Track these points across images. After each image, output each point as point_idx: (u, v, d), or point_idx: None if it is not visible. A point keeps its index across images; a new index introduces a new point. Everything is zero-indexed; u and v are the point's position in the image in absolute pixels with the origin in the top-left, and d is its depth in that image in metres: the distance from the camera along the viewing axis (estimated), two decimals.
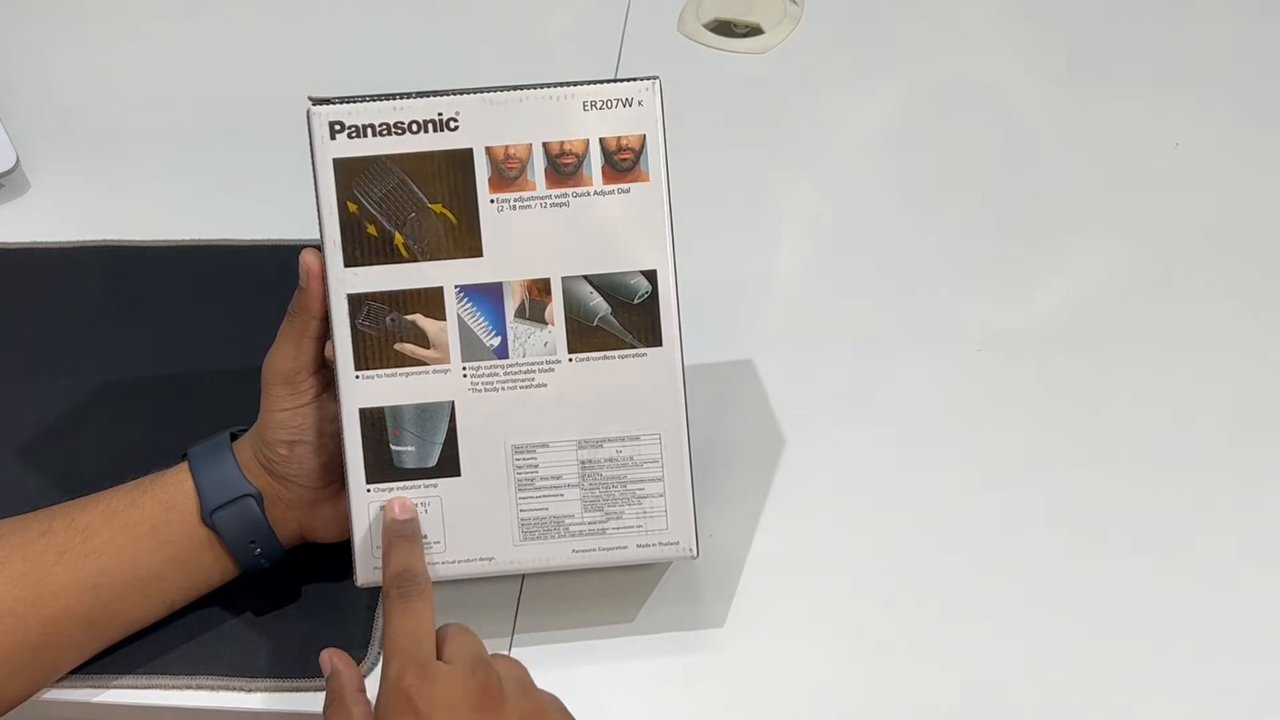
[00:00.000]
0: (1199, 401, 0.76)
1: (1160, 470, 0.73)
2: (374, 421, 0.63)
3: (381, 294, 0.62)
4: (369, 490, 0.63)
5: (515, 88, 0.62)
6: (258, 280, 0.84)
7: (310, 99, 0.60)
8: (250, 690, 0.65)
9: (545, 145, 0.62)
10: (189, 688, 0.66)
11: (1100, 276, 0.83)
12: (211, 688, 0.66)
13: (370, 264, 0.62)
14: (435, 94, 0.62)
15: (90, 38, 1.03)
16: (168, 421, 0.76)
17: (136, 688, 0.66)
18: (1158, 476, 0.73)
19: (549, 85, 0.62)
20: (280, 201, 0.89)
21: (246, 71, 0.99)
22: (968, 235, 0.86)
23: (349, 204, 0.62)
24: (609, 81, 0.62)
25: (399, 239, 0.62)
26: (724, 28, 1.00)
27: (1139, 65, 0.96)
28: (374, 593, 0.68)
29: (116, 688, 0.66)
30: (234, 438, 0.66)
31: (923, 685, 0.65)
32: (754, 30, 1.00)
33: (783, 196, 0.89)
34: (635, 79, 0.63)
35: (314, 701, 0.65)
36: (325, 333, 0.63)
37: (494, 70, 0.98)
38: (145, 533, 0.63)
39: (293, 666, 0.66)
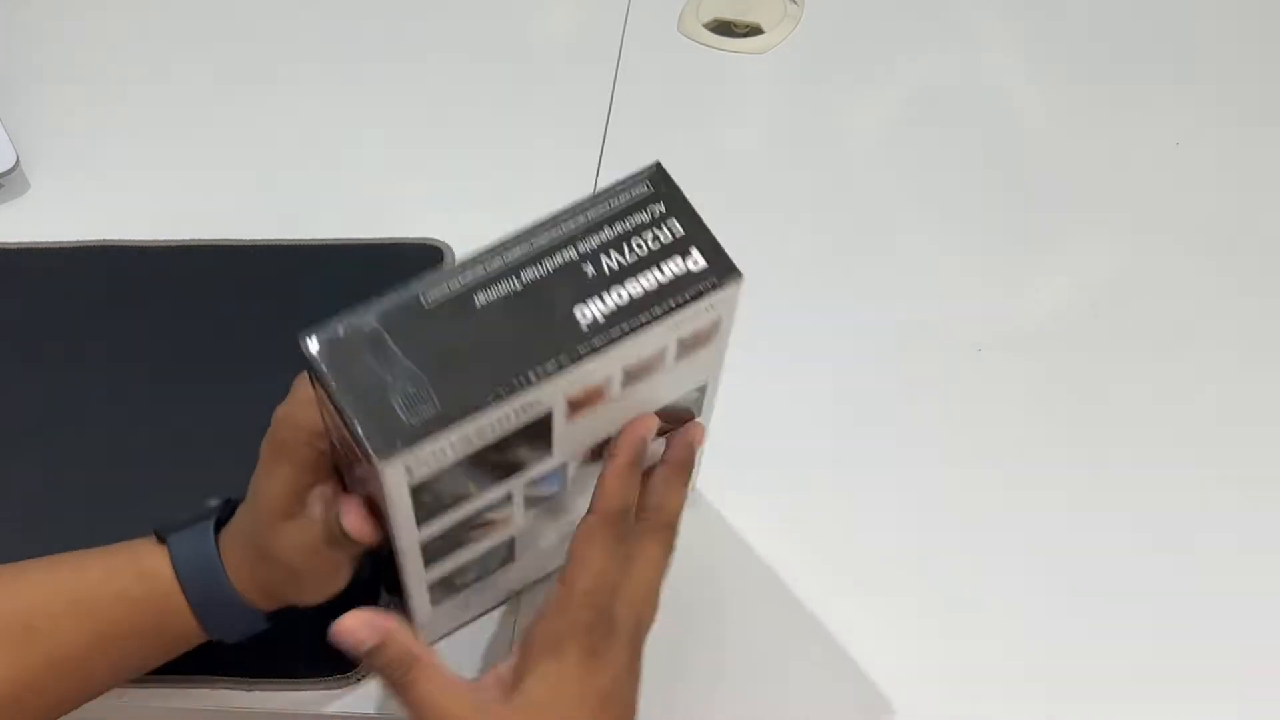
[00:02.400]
0: (1199, 401, 0.76)
1: (1161, 470, 0.73)
2: (445, 584, 0.60)
3: (454, 526, 0.56)
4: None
5: (602, 339, 0.50)
6: (258, 280, 0.84)
7: (374, 453, 0.47)
8: (250, 690, 0.65)
9: (625, 369, 0.53)
10: (189, 688, 0.66)
11: (1100, 276, 0.83)
12: (211, 688, 0.66)
13: (440, 517, 0.55)
14: (509, 392, 0.49)
15: (90, 37, 1.03)
16: (168, 421, 0.76)
17: (137, 687, 0.66)
18: (1158, 476, 0.73)
19: (637, 326, 0.51)
20: (280, 202, 0.89)
21: (247, 71, 0.99)
22: (968, 235, 0.86)
23: (420, 497, 0.52)
24: (691, 299, 0.52)
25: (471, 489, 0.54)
26: (724, 28, 1.00)
27: (1139, 65, 0.96)
28: (374, 592, 0.68)
29: (116, 687, 0.66)
30: (218, 522, 0.61)
31: (920, 685, 0.65)
32: (754, 30, 1.00)
33: (782, 197, 0.89)
34: (719, 284, 0.54)
35: (314, 701, 0.65)
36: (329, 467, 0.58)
37: (494, 70, 0.98)
38: (139, 642, 0.60)
39: (293, 666, 0.66)
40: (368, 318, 0.49)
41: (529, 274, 0.51)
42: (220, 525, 0.60)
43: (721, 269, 0.53)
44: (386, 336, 0.49)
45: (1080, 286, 0.83)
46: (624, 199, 0.54)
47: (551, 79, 0.97)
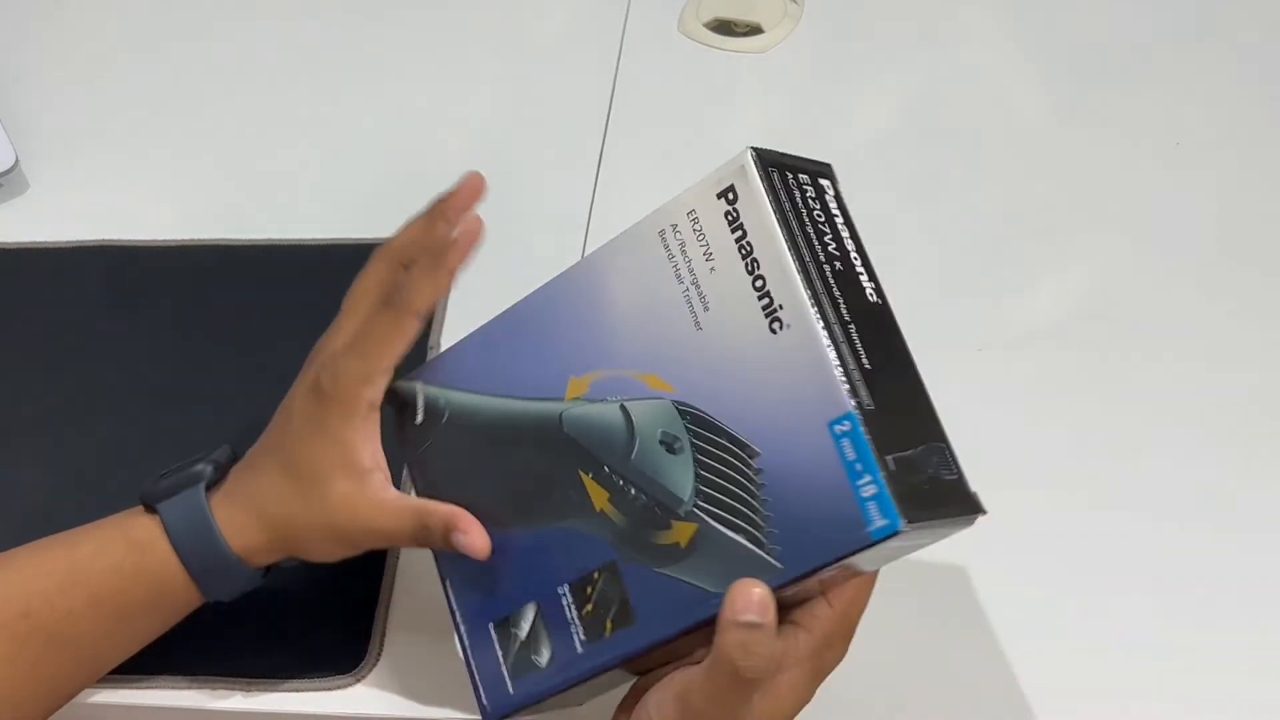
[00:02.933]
0: (1200, 401, 0.76)
1: (1160, 470, 0.73)
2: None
3: None
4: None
5: None
6: (258, 280, 0.84)
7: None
8: (250, 690, 0.65)
9: None
10: (189, 688, 0.66)
11: (1100, 276, 0.83)
12: (212, 688, 0.66)
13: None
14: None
15: (90, 37, 1.03)
16: (168, 421, 0.76)
17: (136, 688, 0.66)
18: (1158, 476, 0.72)
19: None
20: (280, 202, 0.89)
21: (246, 71, 0.99)
22: (968, 235, 0.85)
23: None
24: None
25: None
26: (724, 27, 1.00)
27: (1139, 65, 0.96)
28: (374, 592, 0.68)
29: (117, 688, 0.66)
30: (209, 483, 0.61)
31: (918, 688, 0.65)
32: (754, 30, 1.00)
33: None
34: None
35: (314, 702, 0.65)
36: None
37: (494, 69, 0.98)
38: (138, 614, 0.60)
39: (293, 666, 0.66)
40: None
41: (843, 307, 0.52)
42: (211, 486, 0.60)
43: (829, 171, 0.57)
44: (891, 459, 0.49)
45: (1080, 286, 0.83)
46: (776, 196, 0.53)
47: (551, 79, 0.97)
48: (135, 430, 0.76)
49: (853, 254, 0.53)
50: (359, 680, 0.66)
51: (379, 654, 0.66)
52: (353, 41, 1.01)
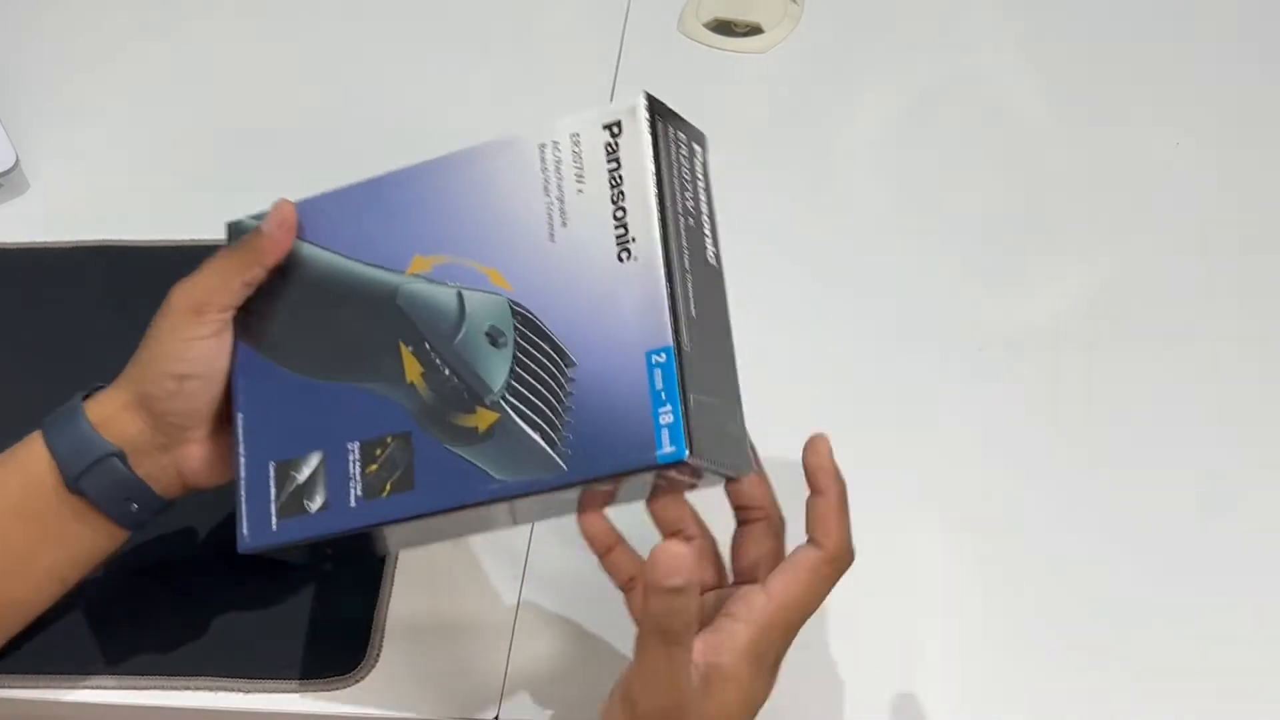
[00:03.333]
0: (1199, 401, 0.76)
1: (1161, 469, 0.73)
2: None
3: None
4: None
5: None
6: None
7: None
8: (250, 690, 0.65)
9: None
10: (189, 688, 0.66)
11: (1100, 276, 0.83)
12: (211, 688, 0.66)
13: None
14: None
15: (90, 37, 1.03)
16: None
17: (136, 688, 0.66)
18: (1158, 476, 0.73)
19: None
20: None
21: (246, 71, 0.99)
22: (968, 235, 0.85)
23: None
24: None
25: None
26: (724, 28, 1.00)
27: (1139, 65, 0.96)
28: (373, 592, 0.68)
29: (117, 688, 0.66)
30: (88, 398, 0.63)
31: (920, 685, 0.65)
32: (754, 30, 1.00)
33: (782, 196, 0.89)
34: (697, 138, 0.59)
35: (314, 702, 0.65)
36: (261, 281, 0.61)
37: (494, 69, 0.98)
38: (7, 513, 0.61)
39: (293, 666, 0.66)
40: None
41: (686, 259, 0.55)
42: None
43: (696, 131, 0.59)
44: (700, 396, 0.53)
45: (1080, 286, 0.83)
46: (661, 152, 0.56)
47: (551, 79, 0.97)
48: None
49: (704, 215, 0.56)
50: (358, 680, 0.66)
51: (378, 654, 0.66)
52: (353, 42, 1.01)
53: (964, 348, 0.79)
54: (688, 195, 0.56)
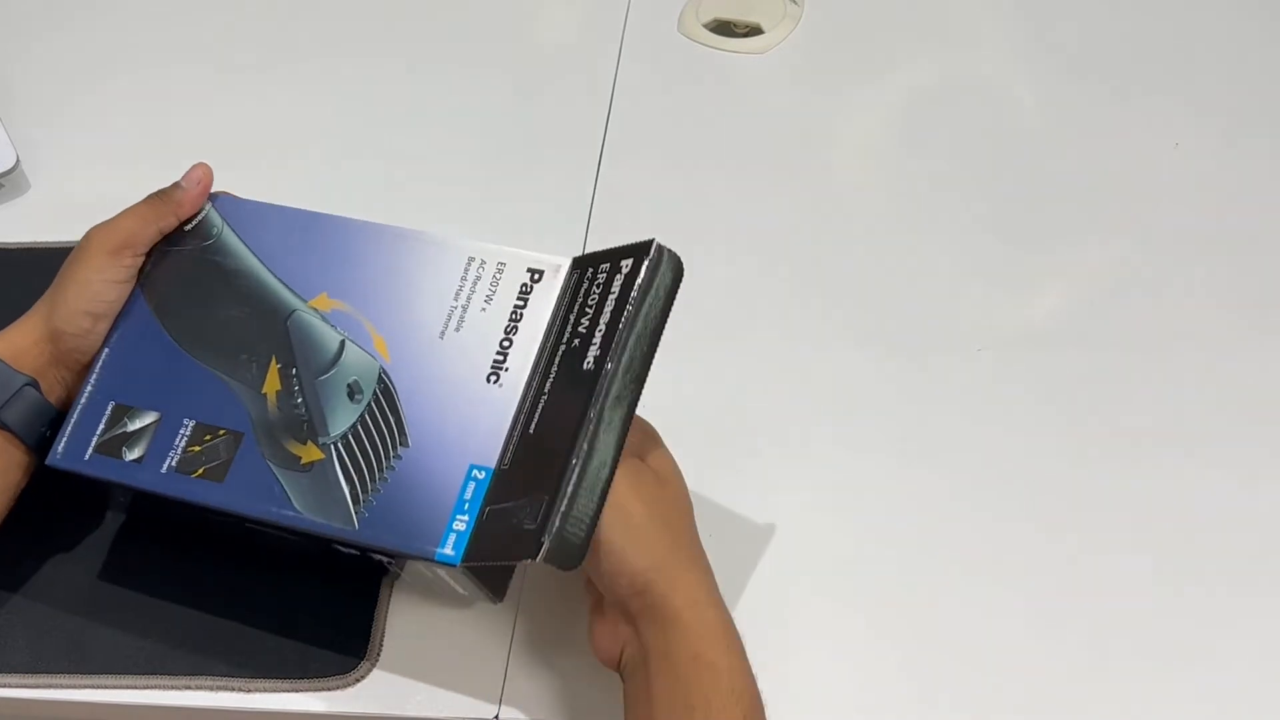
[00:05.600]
0: (1199, 401, 0.76)
1: (1161, 469, 0.73)
2: None
3: None
4: None
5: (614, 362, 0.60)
6: None
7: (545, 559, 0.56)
8: (250, 690, 0.65)
9: None
10: (189, 688, 0.66)
11: (1100, 277, 0.83)
12: (211, 688, 0.66)
13: None
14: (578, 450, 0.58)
15: (91, 37, 1.02)
16: None
17: (136, 688, 0.66)
18: (1158, 475, 0.73)
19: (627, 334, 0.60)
20: (281, 200, 0.88)
21: (248, 73, 0.99)
22: (968, 235, 0.85)
23: None
24: (647, 288, 0.61)
25: None
26: (724, 28, 1.00)
27: (1139, 65, 0.96)
28: (373, 592, 0.68)
29: (117, 688, 0.66)
30: None
31: (923, 681, 0.65)
32: (754, 30, 1.00)
33: (782, 196, 0.89)
34: (654, 259, 0.61)
35: (314, 702, 0.65)
36: (170, 230, 0.67)
37: (494, 70, 0.98)
38: None
39: (293, 666, 0.66)
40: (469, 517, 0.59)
41: (549, 385, 0.60)
42: None
43: (643, 249, 0.60)
44: (496, 506, 0.58)
45: (1080, 286, 0.83)
46: (569, 297, 0.62)
47: (551, 79, 0.97)
48: None
49: (600, 328, 0.59)
50: (359, 680, 0.66)
51: (378, 654, 0.66)
52: (354, 43, 1.01)
53: (964, 348, 0.79)
54: (585, 319, 0.60)
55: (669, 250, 0.60)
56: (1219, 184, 0.88)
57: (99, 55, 1.01)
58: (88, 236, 0.66)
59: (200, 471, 0.62)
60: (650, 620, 0.57)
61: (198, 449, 0.62)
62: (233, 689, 0.66)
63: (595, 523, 0.56)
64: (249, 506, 0.61)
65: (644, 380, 0.59)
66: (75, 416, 0.65)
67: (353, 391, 0.62)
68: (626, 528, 0.58)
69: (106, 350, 0.66)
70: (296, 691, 0.65)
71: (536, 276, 0.63)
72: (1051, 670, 0.65)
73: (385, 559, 0.63)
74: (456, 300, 0.63)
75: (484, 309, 0.62)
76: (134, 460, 0.63)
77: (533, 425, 0.59)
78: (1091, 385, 0.77)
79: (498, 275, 0.63)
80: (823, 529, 0.71)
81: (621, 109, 0.94)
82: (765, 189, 0.89)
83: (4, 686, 0.66)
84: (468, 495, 0.59)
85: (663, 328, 0.60)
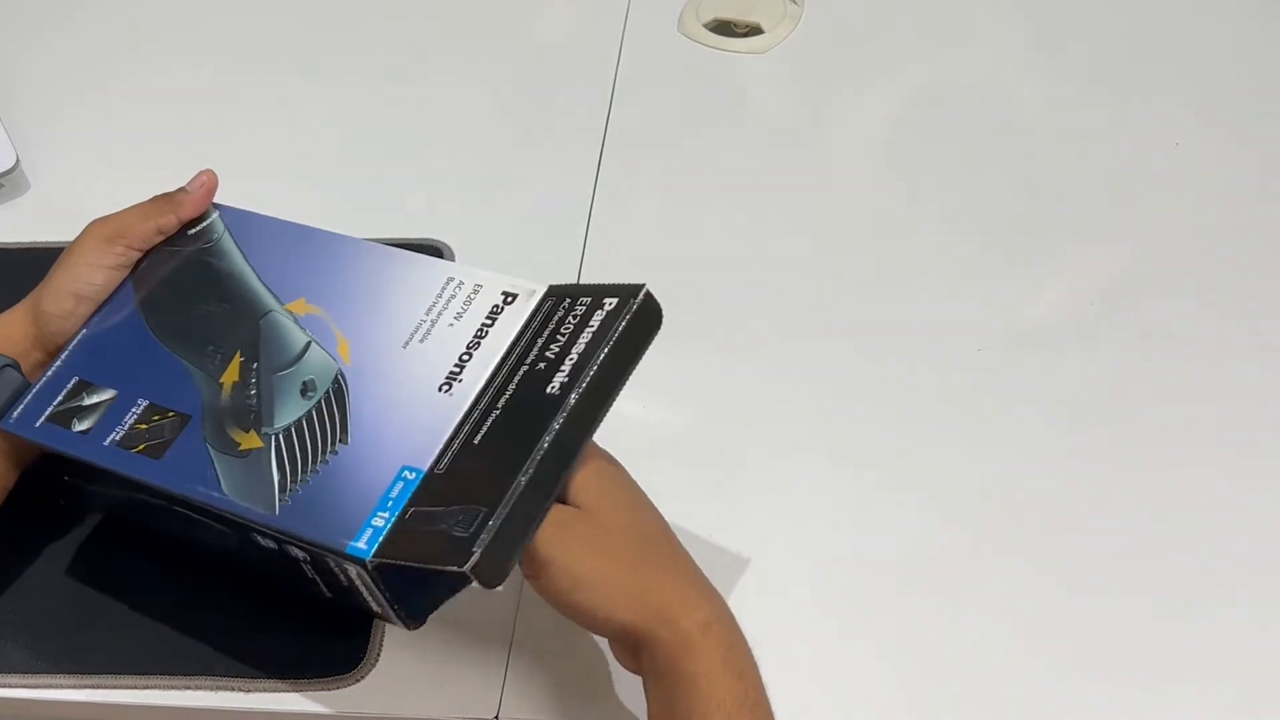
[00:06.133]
0: (1198, 401, 0.76)
1: (1161, 469, 0.73)
2: None
3: None
4: None
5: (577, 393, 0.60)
6: None
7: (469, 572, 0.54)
8: (250, 690, 0.65)
9: None
10: (189, 688, 0.66)
11: (1100, 276, 0.83)
12: (211, 688, 0.66)
13: None
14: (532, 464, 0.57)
15: (91, 37, 1.03)
16: None
17: (136, 688, 0.66)
18: (1158, 475, 0.72)
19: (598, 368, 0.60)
20: (281, 201, 0.88)
21: (248, 72, 0.99)
22: (968, 235, 0.85)
23: None
24: (623, 329, 0.61)
25: None
26: (724, 28, 1.00)
27: (1139, 65, 0.96)
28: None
29: (117, 688, 0.66)
30: None
31: (924, 680, 0.65)
32: (754, 30, 1.00)
33: (783, 196, 0.89)
34: (635, 300, 0.61)
35: (314, 702, 0.65)
36: (172, 231, 0.69)
37: (495, 70, 0.98)
38: None
39: (293, 666, 0.66)
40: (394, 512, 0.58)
41: (503, 400, 0.60)
42: None
43: (633, 291, 0.61)
44: (422, 508, 0.57)
45: (1080, 286, 0.83)
46: (539, 321, 0.62)
47: (552, 79, 0.97)
48: None
49: (571, 357, 0.60)
50: (359, 680, 0.66)
51: (379, 654, 0.66)
52: (354, 43, 1.01)
53: (964, 348, 0.79)
54: (554, 347, 0.60)
55: (655, 300, 0.61)
56: (1219, 184, 0.88)
57: (99, 56, 1.01)
58: (88, 225, 0.68)
59: (141, 448, 0.63)
60: (652, 652, 0.56)
61: (144, 427, 0.63)
62: (233, 689, 0.66)
63: (520, 548, 0.56)
64: (177, 484, 0.61)
65: (599, 420, 0.59)
66: (38, 387, 0.66)
67: (306, 389, 0.63)
68: (579, 585, 0.56)
69: (84, 330, 0.68)
70: (296, 691, 0.65)
71: (509, 299, 0.63)
72: (1051, 671, 0.65)
73: (371, 603, 0.62)
74: (428, 315, 0.64)
75: (451, 324, 0.63)
76: (80, 431, 0.64)
77: (478, 436, 0.59)
78: (1091, 385, 0.77)
79: (472, 295, 0.64)
80: (821, 529, 0.71)
81: (621, 109, 0.94)
82: (765, 189, 0.89)
83: (4, 686, 0.66)
84: (394, 494, 0.58)
85: (630, 372, 0.60)
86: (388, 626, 0.67)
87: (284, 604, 0.68)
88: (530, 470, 0.56)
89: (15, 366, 0.66)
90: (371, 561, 0.56)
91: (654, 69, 0.97)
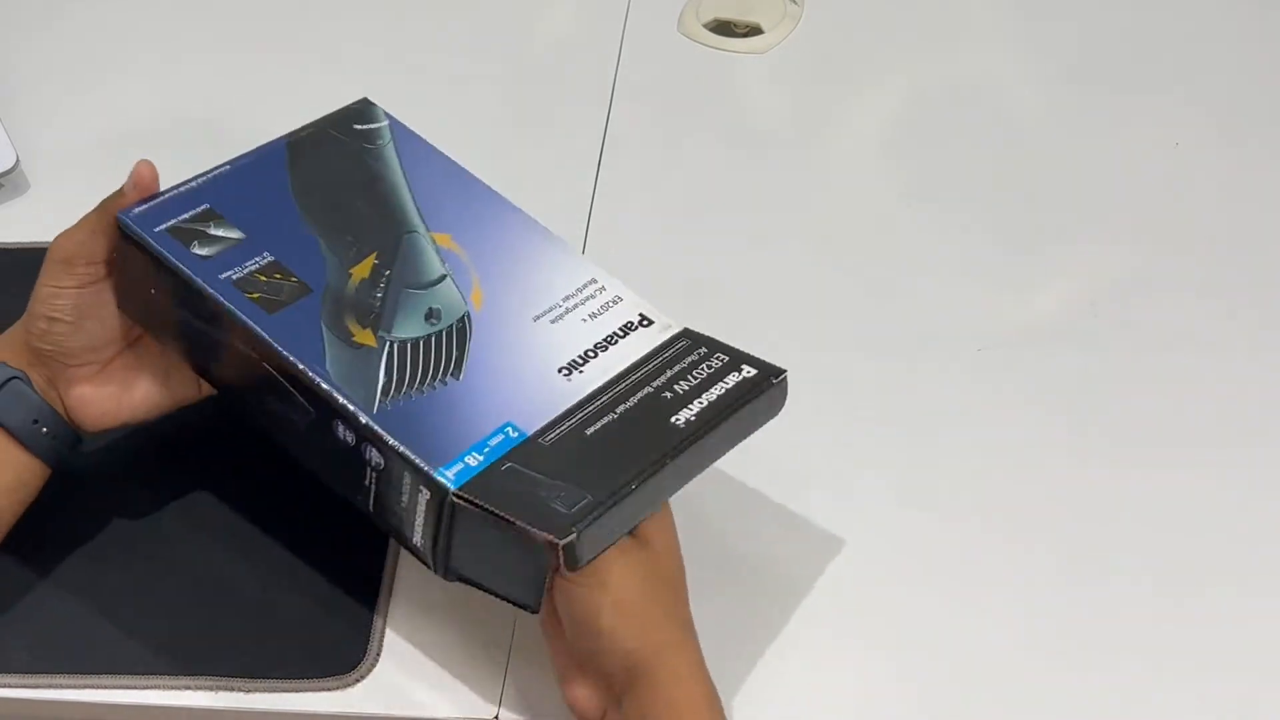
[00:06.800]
0: (1198, 401, 0.76)
1: (1160, 469, 0.73)
2: None
3: None
4: None
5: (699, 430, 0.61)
6: None
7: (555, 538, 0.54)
8: (250, 690, 0.65)
9: None
10: (189, 688, 0.66)
11: (1100, 276, 0.83)
12: (211, 688, 0.66)
13: None
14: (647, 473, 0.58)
15: (91, 37, 1.03)
16: (166, 417, 0.76)
17: (136, 688, 0.66)
18: (1158, 475, 0.73)
19: (721, 419, 0.61)
20: None
21: (248, 72, 0.99)
22: (968, 235, 0.86)
23: None
24: (755, 394, 0.63)
25: None
26: (724, 28, 1.00)
27: (1138, 65, 0.96)
28: (373, 592, 0.68)
29: (117, 688, 0.66)
30: None
31: (923, 682, 0.65)
32: (754, 30, 1.00)
33: (783, 196, 0.89)
34: (774, 381, 0.64)
35: (314, 702, 0.65)
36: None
37: (495, 69, 0.98)
38: None
39: (293, 666, 0.66)
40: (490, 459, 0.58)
41: (622, 408, 0.60)
42: None
43: (774, 372, 0.63)
44: (519, 467, 0.58)
45: (1080, 286, 0.83)
46: (670, 354, 0.63)
47: (551, 79, 0.97)
48: (134, 427, 0.76)
49: (701, 402, 0.61)
50: (359, 680, 0.66)
51: (379, 654, 0.66)
52: (354, 41, 1.01)
53: (964, 348, 0.79)
54: (687, 383, 0.62)
55: (787, 386, 0.63)
56: (1219, 184, 0.88)
57: (99, 55, 1.01)
58: (52, 242, 0.67)
59: (256, 296, 0.62)
60: (635, 695, 0.57)
61: (264, 279, 0.63)
62: (233, 689, 0.65)
63: (602, 548, 0.56)
64: (286, 345, 0.60)
65: (700, 470, 0.61)
66: (165, 197, 0.66)
67: (431, 315, 0.63)
68: (618, 609, 0.57)
69: (227, 167, 0.68)
70: (296, 691, 0.65)
71: (645, 322, 0.64)
72: (1051, 672, 0.65)
73: (415, 535, 0.61)
74: (564, 302, 0.64)
75: (585, 320, 0.64)
76: (195, 255, 0.63)
77: (591, 429, 0.59)
78: (1091, 385, 0.77)
79: (610, 303, 0.65)
80: (819, 529, 0.71)
81: (621, 109, 0.94)
82: (765, 189, 0.89)
83: (4, 686, 0.66)
84: (492, 442, 0.58)
85: (739, 441, 0.62)
86: (388, 626, 0.67)
87: (284, 604, 0.68)
88: (644, 480, 0.56)
89: (25, 380, 0.65)
90: (456, 493, 0.56)
91: (654, 69, 0.97)
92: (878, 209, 0.88)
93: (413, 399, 0.59)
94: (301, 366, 0.60)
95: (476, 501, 0.56)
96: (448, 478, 0.56)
